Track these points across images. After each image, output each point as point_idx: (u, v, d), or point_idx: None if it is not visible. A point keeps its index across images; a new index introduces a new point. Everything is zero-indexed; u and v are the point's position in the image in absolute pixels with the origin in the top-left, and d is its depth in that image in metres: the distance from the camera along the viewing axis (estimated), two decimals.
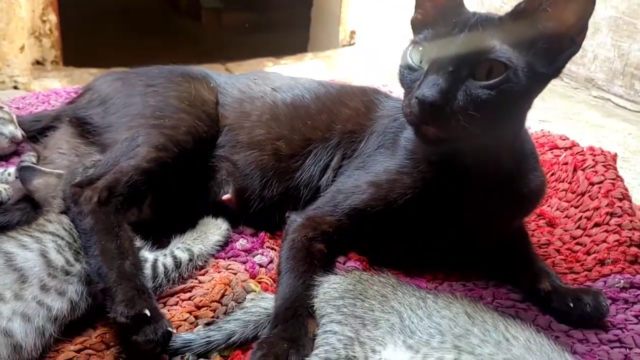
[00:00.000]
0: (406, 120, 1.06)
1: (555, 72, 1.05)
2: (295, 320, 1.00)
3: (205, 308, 1.09)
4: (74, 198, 1.12)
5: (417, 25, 1.16)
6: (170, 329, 0.97)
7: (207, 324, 1.06)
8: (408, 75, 1.06)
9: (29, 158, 1.44)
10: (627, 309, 1.22)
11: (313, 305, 1.03)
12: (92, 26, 4.39)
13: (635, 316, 1.19)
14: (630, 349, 1.09)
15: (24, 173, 1.26)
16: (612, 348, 1.10)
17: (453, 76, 0.97)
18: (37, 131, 1.62)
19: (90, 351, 0.98)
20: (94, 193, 1.12)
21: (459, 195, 1.18)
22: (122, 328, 0.96)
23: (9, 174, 1.43)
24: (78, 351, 0.97)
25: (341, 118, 1.39)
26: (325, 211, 1.25)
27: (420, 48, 1.05)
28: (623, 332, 1.14)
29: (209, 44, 5.00)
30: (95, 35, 4.23)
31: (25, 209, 1.27)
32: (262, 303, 1.08)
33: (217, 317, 1.08)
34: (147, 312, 0.95)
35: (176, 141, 1.25)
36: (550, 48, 1.03)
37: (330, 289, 1.04)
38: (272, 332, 0.98)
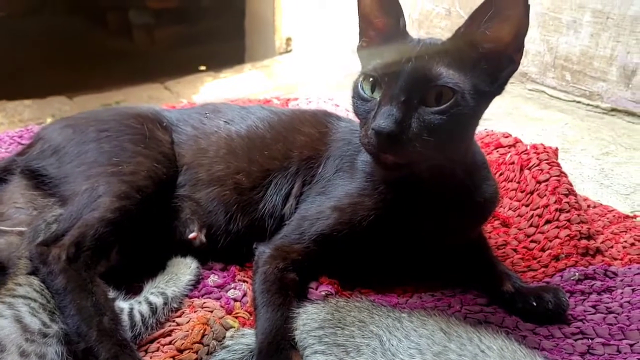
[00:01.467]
0: (365, 149, 1.09)
1: (498, 89, 1.12)
2: (279, 354, 1.02)
3: (188, 351, 1.09)
4: (42, 258, 1.11)
5: (363, 54, 1.21)
6: None
7: None
8: (361, 106, 1.10)
9: None
10: (584, 300, 1.30)
11: (294, 338, 1.06)
12: (15, 56, 4.29)
13: (593, 306, 1.27)
14: (592, 339, 1.17)
15: None
16: (575, 340, 1.17)
17: (406, 105, 1.02)
18: None
19: None
20: (62, 251, 1.11)
21: (419, 211, 1.23)
22: None
23: None
24: None
25: (297, 145, 1.42)
26: (292, 239, 1.28)
27: (371, 79, 1.09)
28: (584, 323, 1.22)
29: (143, 62, 4.92)
30: (20, 66, 4.14)
31: None
32: (243, 340, 1.10)
33: (201, 359, 1.09)
34: None
35: (137, 187, 1.25)
36: (492, 68, 1.09)
37: (309, 320, 1.07)
38: None
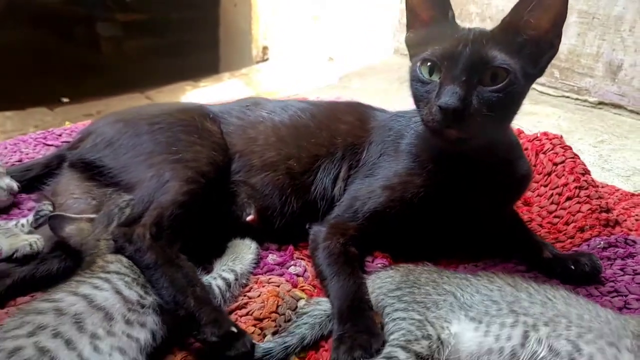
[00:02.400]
0: (427, 127, 1.20)
1: (540, 72, 1.24)
2: (361, 315, 1.11)
3: (267, 319, 1.17)
4: (126, 237, 1.17)
5: (412, 43, 1.32)
6: (253, 341, 1.05)
7: (274, 333, 1.15)
8: (421, 88, 1.21)
9: (46, 207, 1.45)
10: (611, 264, 1.43)
11: (370, 300, 1.15)
12: None
13: (621, 269, 1.40)
14: (626, 296, 1.30)
15: (54, 221, 1.28)
16: (612, 298, 1.29)
17: (467, 84, 1.13)
18: (28, 180, 1.62)
19: None
20: (145, 230, 1.17)
21: (464, 187, 1.34)
22: (212, 347, 1.03)
23: (23, 225, 1.43)
24: None
25: (340, 132, 1.52)
26: (346, 218, 1.38)
27: (429, 64, 1.20)
28: (616, 283, 1.34)
29: (113, 74, 4.89)
30: None
31: (61, 256, 1.29)
32: (319, 306, 1.19)
33: (279, 326, 1.17)
34: (234, 329, 1.03)
35: (201, 172, 1.33)
36: (535, 52, 1.21)
37: (384, 283, 1.16)
38: (345, 329, 1.08)
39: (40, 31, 5.41)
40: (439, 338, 1.01)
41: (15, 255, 1.26)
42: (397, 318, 1.07)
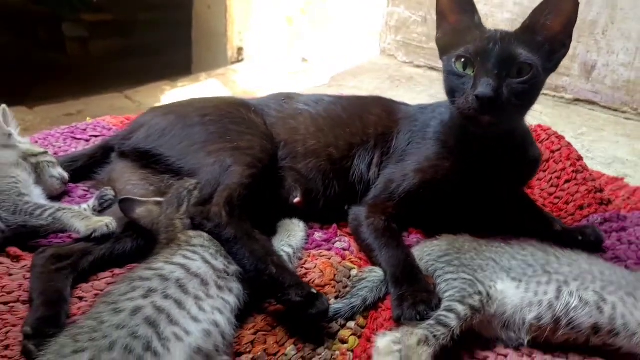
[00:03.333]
0: (463, 114, 1.38)
1: (554, 67, 1.45)
2: (415, 277, 1.28)
3: (327, 286, 1.33)
4: (204, 216, 1.31)
5: (443, 42, 1.50)
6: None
7: (335, 298, 1.31)
8: (456, 81, 1.40)
9: (109, 192, 1.57)
10: (609, 236, 1.65)
11: (419, 266, 1.33)
12: None
13: (617, 240, 1.62)
14: (626, 261, 1.52)
15: (124, 204, 1.41)
16: (614, 263, 1.50)
17: (498, 77, 1.32)
18: (75, 170, 1.74)
19: (263, 332, 1.19)
20: (220, 208, 1.32)
21: (486, 168, 1.53)
22: (293, 306, 1.18)
23: (86, 209, 1.55)
24: (254, 334, 1.19)
25: (370, 123, 1.69)
26: (383, 199, 1.55)
27: (463, 60, 1.39)
28: (615, 251, 1.57)
29: (78, 74, 4.92)
30: None
31: (133, 236, 1.42)
32: (374, 274, 1.36)
33: (339, 292, 1.33)
34: (314, 291, 1.19)
35: (258, 159, 1.48)
36: (550, 50, 1.41)
37: (432, 250, 1.35)
38: (403, 289, 1.25)
39: (1, 32, 5.38)
40: (487, 294, 1.19)
41: (93, 235, 1.38)
42: (449, 279, 1.24)
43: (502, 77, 1.33)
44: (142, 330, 0.98)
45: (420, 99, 2.89)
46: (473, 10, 1.46)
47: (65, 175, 1.69)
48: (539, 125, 2.09)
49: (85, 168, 1.76)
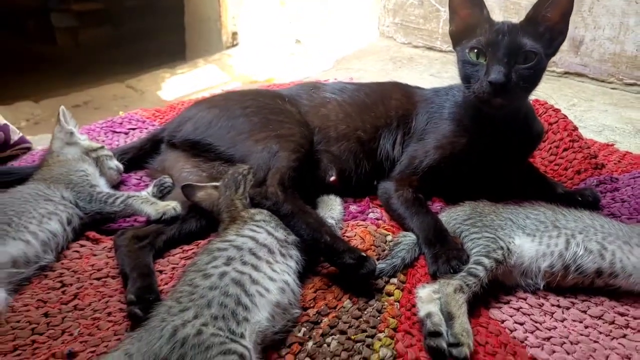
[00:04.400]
0: (477, 97, 1.59)
1: (554, 52, 1.67)
2: (444, 239, 1.51)
3: (368, 250, 1.55)
4: (262, 195, 1.52)
5: (456, 34, 1.71)
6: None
7: (378, 259, 1.53)
8: (470, 69, 1.61)
9: (167, 180, 1.78)
10: (604, 196, 1.88)
11: (447, 229, 1.56)
12: None
13: (612, 199, 1.86)
14: (620, 216, 1.75)
15: (186, 190, 1.61)
16: (610, 219, 1.74)
17: (508, 65, 1.54)
18: (126, 161, 1.94)
19: (322, 290, 1.41)
20: (275, 189, 1.53)
21: (497, 142, 1.74)
22: (348, 267, 1.40)
23: (147, 195, 1.74)
24: (315, 292, 1.41)
25: (392, 107, 1.90)
26: (408, 173, 1.77)
27: (476, 50, 1.60)
28: (610, 209, 1.80)
29: (70, 65, 5.02)
30: None
31: (196, 217, 1.64)
32: (408, 238, 1.58)
33: (379, 255, 1.55)
34: (363, 254, 1.41)
35: (300, 144, 1.69)
36: (550, 38, 1.63)
37: (458, 215, 1.57)
38: (436, 249, 1.48)
39: None
40: (508, 248, 1.42)
41: (163, 218, 1.59)
42: (474, 238, 1.47)
43: (511, 64, 1.54)
44: (231, 290, 1.19)
45: (423, 78, 3.11)
46: (482, 5, 1.66)
47: (121, 166, 1.90)
48: (536, 100, 2.31)
49: (136, 159, 1.97)
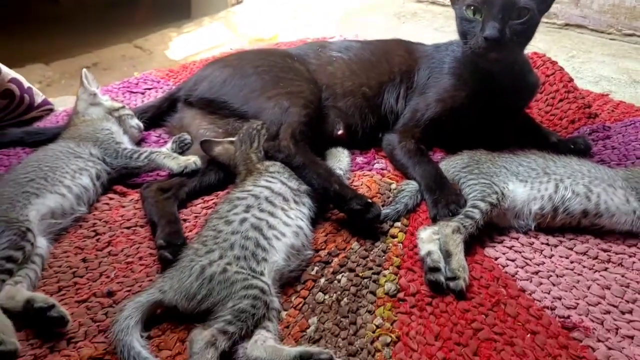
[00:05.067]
0: (473, 52, 1.70)
1: (548, 7, 1.77)
2: (444, 185, 1.64)
3: (374, 197, 1.69)
4: (276, 148, 1.64)
5: None
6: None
7: (383, 205, 1.67)
8: (467, 25, 1.71)
9: (186, 137, 1.91)
10: (595, 144, 2.00)
11: (446, 177, 1.68)
12: None
13: (603, 146, 1.98)
14: (609, 162, 1.88)
15: (204, 145, 1.74)
16: (597, 164, 1.86)
17: (502, 21, 1.63)
18: (145, 120, 2.06)
19: (332, 234, 1.55)
20: (288, 142, 1.65)
21: (494, 94, 1.85)
22: (355, 213, 1.53)
23: (167, 151, 1.87)
24: (325, 235, 1.55)
25: (395, 63, 2.01)
26: (411, 125, 1.89)
27: (472, 7, 1.69)
28: (601, 156, 1.93)
29: (75, 24, 4.97)
30: None
31: (214, 170, 1.77)
32: (410, 186, 1.71)
33: (384, 202, 1.69)
34: (369, 200, 1.55)
35: (310, 100, 1.80)
36: None
37: (456, 163, 1.70)
38: (436, 194, 1.61)
39: None
40: (502, 193, 1.55)
41: (184, 171, 1.72)
42: (472, 184, 1.60)
43: (505, 20, 1.64)
44: (251, 234, 1.33)
45: (426, 33, 3.18)
46: None
47: (141, 124, 2.02)
48: (535, 53, 2.41)
49: (154, 117, 2.09)
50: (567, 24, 3.21)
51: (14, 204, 1.46)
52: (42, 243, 1.46)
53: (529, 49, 2.49)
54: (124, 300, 1.29)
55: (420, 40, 2.17)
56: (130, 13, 5.19)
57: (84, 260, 1.48)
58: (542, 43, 3.03)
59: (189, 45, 4.15)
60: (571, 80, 2.24)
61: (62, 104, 2.49)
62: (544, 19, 3.29)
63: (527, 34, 1.69)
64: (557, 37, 3.13)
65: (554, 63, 2.32)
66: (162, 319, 1.27)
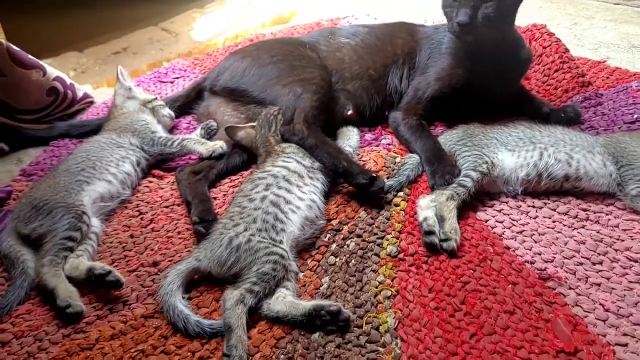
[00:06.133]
0: (453, 34, 1.89)
1: None
2: (441, 157, 1.84)
3: (380, 171, 1.90)
4: (291, 132, 1.86)
5: None
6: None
7: (388, 177, 1.88)
8: (448, 9, 1.90)
9: (212, 124, 2.14)
10: (587, 111, 2.17)
11: (444, 149, 1.88)
12: None
13: (593, 113, 2.14)
14: (597, 129, 2.04)
15: (229, 130, 1.97)
16: (589, 131, 2.04)
17: (474, 6, 1.81)
18: (176, 108, 2.30)
19: (342, 205, 1.77)
20: (301, 126, 1.87)
21: (488, 71, 2.03)
22: (361, 186, 1.75)
23: (196, 137, 2.11)
24: (337, 206, 1.77)
25: (399, 46, 2.20)
26: (413, 103, 2.08)
27: None
28: (591, 122, 2.09)
29: (103, 9, 4.92)
30: None
31: (239, 152, 2.00)
32: (413, 159, 1.91)
33: (389, 174, 1.90)
34: (374, 174, 1.76)
35: (320, 86, 2.00)
36: None
37: (452, 137, 1.90)
38: (434, 166, 1.81)
39: None
40: (492, 162, 1.75)
41: (212, 155, 1.96)
42: (465, 155, 1.80)
43: (477, 5, 1.82)
44: (270, 209, 1.56)
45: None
46: None
47: (172, 113, 2.26)
48: (534, 25, 2.55)
49: (183, 106, 2.33)
50: None
51: (69, 191, 1.71)
52: (95, 223, 1.71)
53: (531, 20, 2.66)
54: (167, 268, 1.54)
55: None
56: None
57: (131, 236, 1.73)
58: (547, 11, 3.16)
59: (212, 26, 4.31)
60: (567, 50, 2.39)
61: (101, 95, 2.74)
62: None
63: (501, 15, 1.86)
64: (562, 4, 3.24)
65: (551, 35, 2.46)
66: (199, 282, 1.51)
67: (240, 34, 3.84)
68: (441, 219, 1.61)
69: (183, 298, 1.42)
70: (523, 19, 2.90)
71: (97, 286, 1.49)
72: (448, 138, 1.92)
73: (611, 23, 2.99)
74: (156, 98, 2.24)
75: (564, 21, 3.01)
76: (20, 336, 1.39)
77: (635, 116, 2.06)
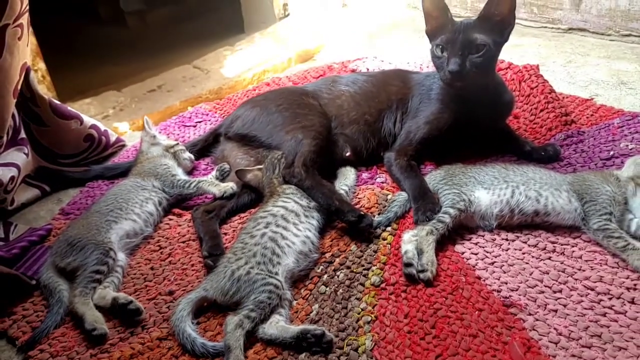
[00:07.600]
0: (443, 82, 2.11)
1: (506, 39, 2.12)
2: (426, 195, 2.04)
3: (373, 207, 2.12)
4: (291, 174, 2.10)
5: (430, 33, 2.20)
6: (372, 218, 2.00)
7: (378, 214, 2.10)
8: (437, 61, 2.12)
9: (225, 166, 2.40)
10: (568, 148, 2.35)
11: (429, 188, 2.09)
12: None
13: (574, 150, 2.32)
14: (575, 165, 2.22)
15: (239, 173, 2.22)
16: (567, 168, 2.22)
17: (462, 56, 2.03)
18: (195, 152, 2.57)
19: (335, 239, 1.98)
20: (300, 169, 2.10)
21: (473, 114, 2.23)
22: (351, 223, 1.96)
23: (211, 178, 2.37)
24: (331, 240, 1.99)
25: (392, 92, 2.42)
26: (405, 145, 2.30)
27: (440, 47, 2.09)
28: (570, 159, 2.27)
29: (142, 46, 5.42)
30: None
31: (247, 192, 2.24)
32: (401, 197, 2.12)
33: (380, 210, 2.12)
34: (362, 212, 1.98)
35: (319, 132, 2.24)
36: (501, 28, 2.09)
37: (436, 176, 2.11)
38: (418, 203, 2.01)
39: (63, 15, 5.88)
40: (469, 200, 1.95)
41: (224, 195, 2.21)
42: (446, 193, 2.00)
43: (465, 55, 2.03)
44: (268, 244, 1.79)
45: None
46: (446, 8, 2.14)
47: (192, 156, 2.53)
48: (525, 66, 2.74)
49: (202, 149, 2.60)
50: (570, 28, 3.50)
51: (99, 229, 1.98)
52: (121, 257, 1.96)
53: (529, 59, 2.86)
54: (181, 297, 1.78)
55: None
56: (189, 31, 5.61)
57: (151, 268, 1.98)
58: (545, 49, 3.35)
59: (241, 62, 4.56)
60: (552, 91, 2.57)
61: (132, 138, 3.04)
62: (549, 25, 3.62)
63: (486, 65, 2.07)
64: (560, 42, 3.42)
65: (539, 76, 2.65)
66: (207, 309, 1.75)
67: (268, 69, 4.07)
68: (421, 252, 1.81)
69: (192, 323, 1.64)
70: (521, 57, 3.12)
71: (120, 314, 1.74)
72: (432, 177, 2.13)
73: (604, 60, 3.15)
74: (178, 143, 2.51)
75: (559, 59, 3.18)
76: (55, 355, 1.64)
77: (612, 153, 2.22)
